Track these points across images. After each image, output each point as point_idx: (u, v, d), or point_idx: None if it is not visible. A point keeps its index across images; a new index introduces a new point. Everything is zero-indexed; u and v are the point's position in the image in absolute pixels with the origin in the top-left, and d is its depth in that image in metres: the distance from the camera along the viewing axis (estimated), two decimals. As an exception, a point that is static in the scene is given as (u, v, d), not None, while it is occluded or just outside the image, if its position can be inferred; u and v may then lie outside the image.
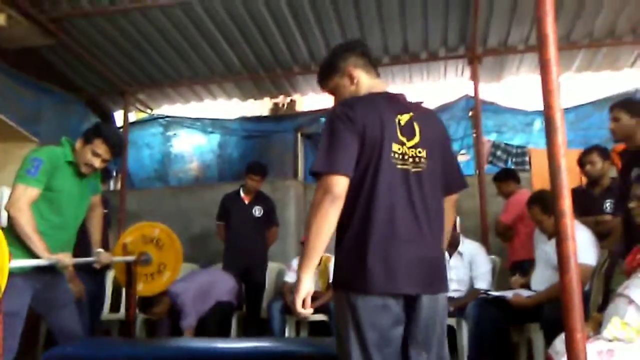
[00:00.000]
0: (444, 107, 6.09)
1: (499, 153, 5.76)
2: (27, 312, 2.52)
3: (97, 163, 2.62)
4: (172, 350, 2.67)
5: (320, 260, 4.33)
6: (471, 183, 5.20)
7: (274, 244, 4.71)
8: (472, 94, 5.24)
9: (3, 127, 4.02)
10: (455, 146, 6.04)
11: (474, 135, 5.27)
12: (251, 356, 2.46)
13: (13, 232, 2.41)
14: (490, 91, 6.16)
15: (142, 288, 3.39)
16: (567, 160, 1.74)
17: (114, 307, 4.70)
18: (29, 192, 2.46)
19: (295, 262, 4.50)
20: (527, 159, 5.55)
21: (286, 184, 5.54)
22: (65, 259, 2.48)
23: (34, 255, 2.41)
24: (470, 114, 5.84)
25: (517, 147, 5.75)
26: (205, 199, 5.03)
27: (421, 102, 1.98)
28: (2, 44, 4.59)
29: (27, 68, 5.10)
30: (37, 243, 2.41)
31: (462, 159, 6.09)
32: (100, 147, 2.60)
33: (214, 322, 3.94)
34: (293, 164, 6.27)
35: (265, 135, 6.45)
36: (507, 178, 4.53)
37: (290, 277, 4.43)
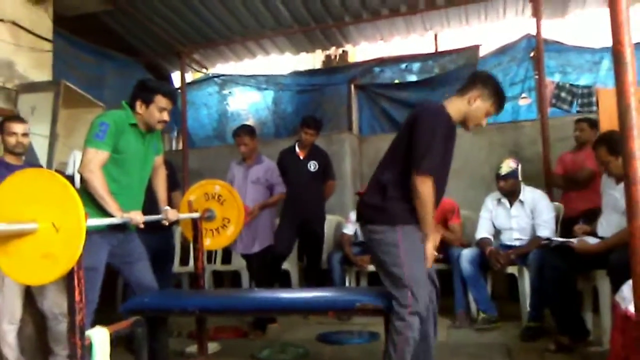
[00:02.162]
0: (503, 49, 5.82)
1: (563, 95, 5.49)
2: (105, 268, 2.70)
3: (166, 116, 2.74)
4: (239, 300, 2.81)
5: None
6: (533, 128, 5.08)
7: (331, 197, 4.76)
8: (534, 33, 4.98)
9: (70, 93, 4.19)
10: (516, 90, 5.81)
11: (536, 77, 5.04)
12: (314, 305, 2.54)
13: (87, 193, 2.54)
14: (554, 29, 5.83)
15: (210, 243, 3.53)
16: (638, 99, 1.65)
17: (184, 261, 4.97)
18: (99, 155, 2.58)
19: (352, 215, 4.55)
20: (594, 99, 5.25)
21: (341, 137, 5.54)
22: (137, 216, 2.60)
23: (107, 214, 2.54)
24: (531, 54, 5.56)
25: (583, 87, 5.45)
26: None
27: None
28: (61, 11, 4.72)
29: (87, 34, 5.28)
30: (110, 203, 2.54)
31: (523, 102, 5.86)
32: (162, 101, 2.70)
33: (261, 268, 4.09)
34: (347, 116, 6.23)
35: (319, 89, 6.42)
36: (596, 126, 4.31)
37: (348, 229, 4.49)
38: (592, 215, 3.77)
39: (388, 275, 2.26)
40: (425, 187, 2.21)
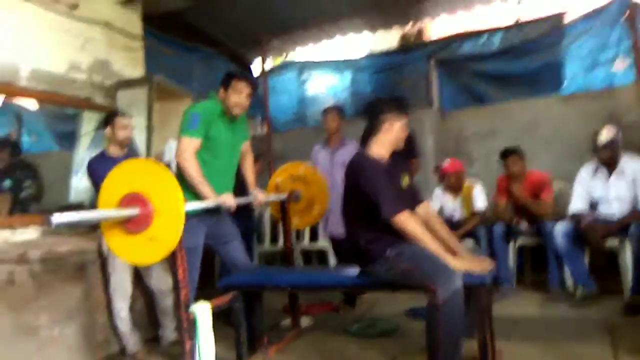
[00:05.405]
0: (594, 13, 5.43)
1: (662, 55, 5.04)
2: (203, 248, 2.88)
3: (243, 100, 2.85)
4: (327, 277, 2.90)
5: (462, 187, 4.33)
6: (631, 93, 4.74)
7: (415, 174, 4.71)
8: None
9: (162, 87, 4.47)
10: (609, 54, 5.42)
11: (632, 39, 4.68)
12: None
13: (183, 179, 2.70)
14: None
15: (297, 222, 3.66)
16: None
17: (274, 240, 5.17)
18: (193, 143, 2.75)
19: (437, 191, 4.49)
20: (696, 58, 4.79)
21: (421, 114, 5.44)
22: (229, 199, 2.76)
23: (202, 198, 2.71)
24: (625, 15, 5.15)
25: (684, 45, 4.98)
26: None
27: None
28: (148, 10, 5.00)
29: (173, 31, 5.56)
30: (204, 187, 2.70)
31: (618, 67, 5.45)
32: (239, 84, 2.83)
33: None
34: (427, 92, 6.11)
35: (397, 68, 6.34)
36: None
37: (433, 205, 4.43)
38: None
39: (409, 284, 2.33)
40: (407, 223, 2.32)
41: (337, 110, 4.15)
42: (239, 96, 2.84)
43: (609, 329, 3.00)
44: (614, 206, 3.62)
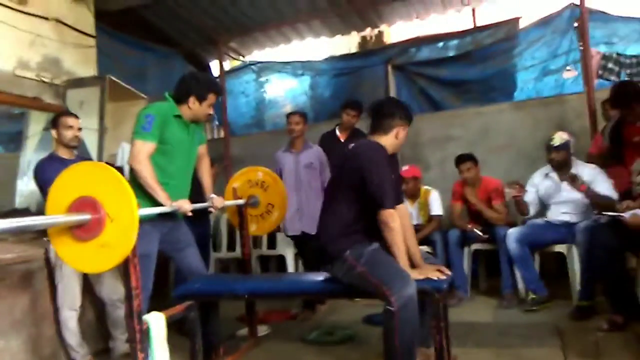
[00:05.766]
0: (546, 20, 5.62)
1: (610, 65, 5.26)
2: (157, 255, 2.79)
3: (211, 110, 2.90)
4: (287, 283, 2.87)
5: (420, 193, 4.38)
6: (579, 101, 4.92)
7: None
8: (578, 2, 4.80)
9: (115, 87, 4.31)
10: (559, 62, 5.63)
11: (581, 48, 4.87)
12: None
13: (136, 184, 2.61)
14: (598, -2, 5.60)
15: (255, 228, 3.61)
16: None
17: (231, 247, 5.07)
18: (147, 146, 2.65)
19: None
20: (643, 69, 5.02)
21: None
22: (184, 205, 2.68)
23: (157, 204, 2.62)
24: (575, 24, 5.35)
25: (632, 57, 5.22)
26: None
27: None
28: (103, 6, 4.84)
29: (128, 29, 5.40)
30: (159, 192, 2.62)
31: (568, 75, 5.66)
32: (213, 98, 2.86)
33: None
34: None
35: (355, 72, 6.36)
36: None
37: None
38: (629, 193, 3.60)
39: (366, 289, 2.33)
40: (394, 221, 2.33)
41: (301, 114, 4.19)
42: (209, 108, 2.86)
43: (559, 333, 3.09)
44: (563, 209, 3.72)
